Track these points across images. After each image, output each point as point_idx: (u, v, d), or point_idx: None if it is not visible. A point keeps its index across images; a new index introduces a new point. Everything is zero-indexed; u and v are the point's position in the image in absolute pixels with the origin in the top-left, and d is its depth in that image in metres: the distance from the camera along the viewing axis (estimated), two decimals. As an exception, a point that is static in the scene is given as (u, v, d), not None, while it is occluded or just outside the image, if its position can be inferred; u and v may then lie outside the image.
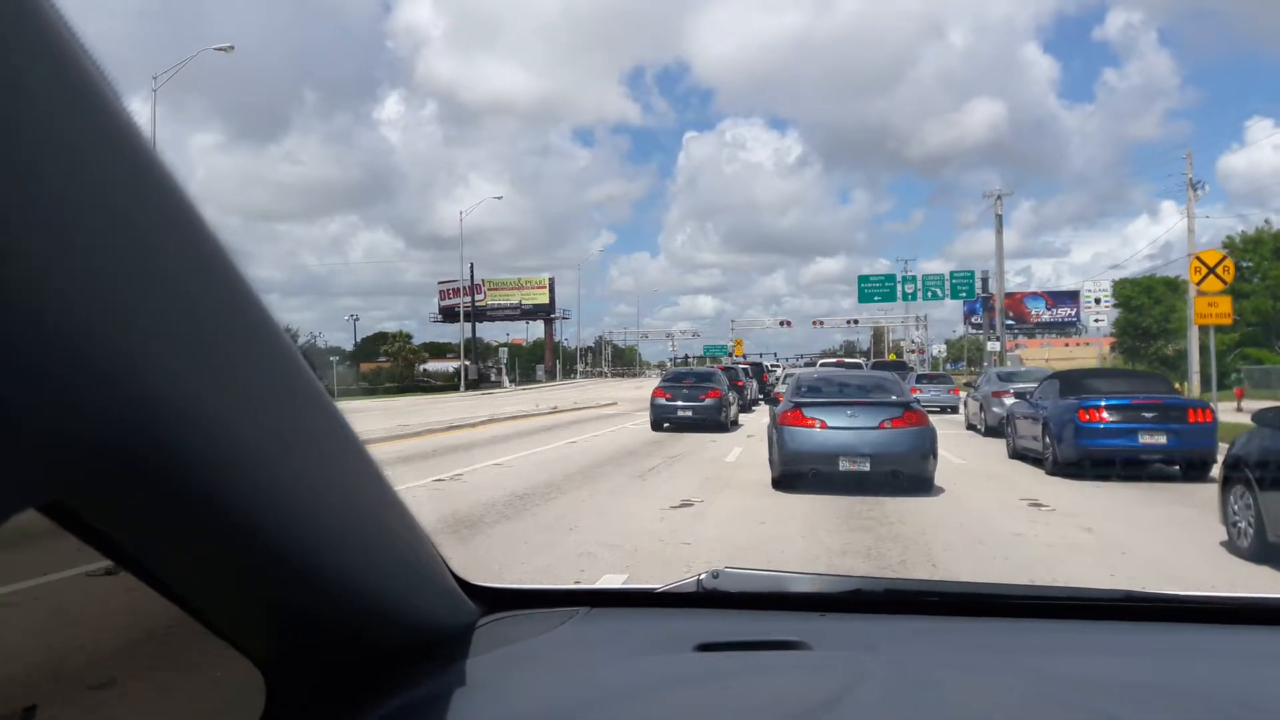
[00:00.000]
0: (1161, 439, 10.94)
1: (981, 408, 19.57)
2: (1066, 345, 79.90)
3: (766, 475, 10.56)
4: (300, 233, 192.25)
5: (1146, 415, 11.10)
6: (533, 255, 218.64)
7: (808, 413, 9.92)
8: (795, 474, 9.79)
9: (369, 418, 20.90)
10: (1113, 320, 61.63)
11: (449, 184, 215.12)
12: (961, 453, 14.19)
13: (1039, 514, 8.38)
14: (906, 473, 9.61)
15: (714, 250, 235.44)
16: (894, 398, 10.37)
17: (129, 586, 0.67)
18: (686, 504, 8.72)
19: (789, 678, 1.07)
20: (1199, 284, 17.03)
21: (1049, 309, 78.46)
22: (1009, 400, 18.52)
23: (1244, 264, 43.20)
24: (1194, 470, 10.89)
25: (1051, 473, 11.57)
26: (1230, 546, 6.70)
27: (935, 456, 9.86)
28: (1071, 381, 12.93)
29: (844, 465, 9.51)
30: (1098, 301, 29.54)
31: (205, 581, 0.70)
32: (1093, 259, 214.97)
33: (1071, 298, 77.33)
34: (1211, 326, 17.12)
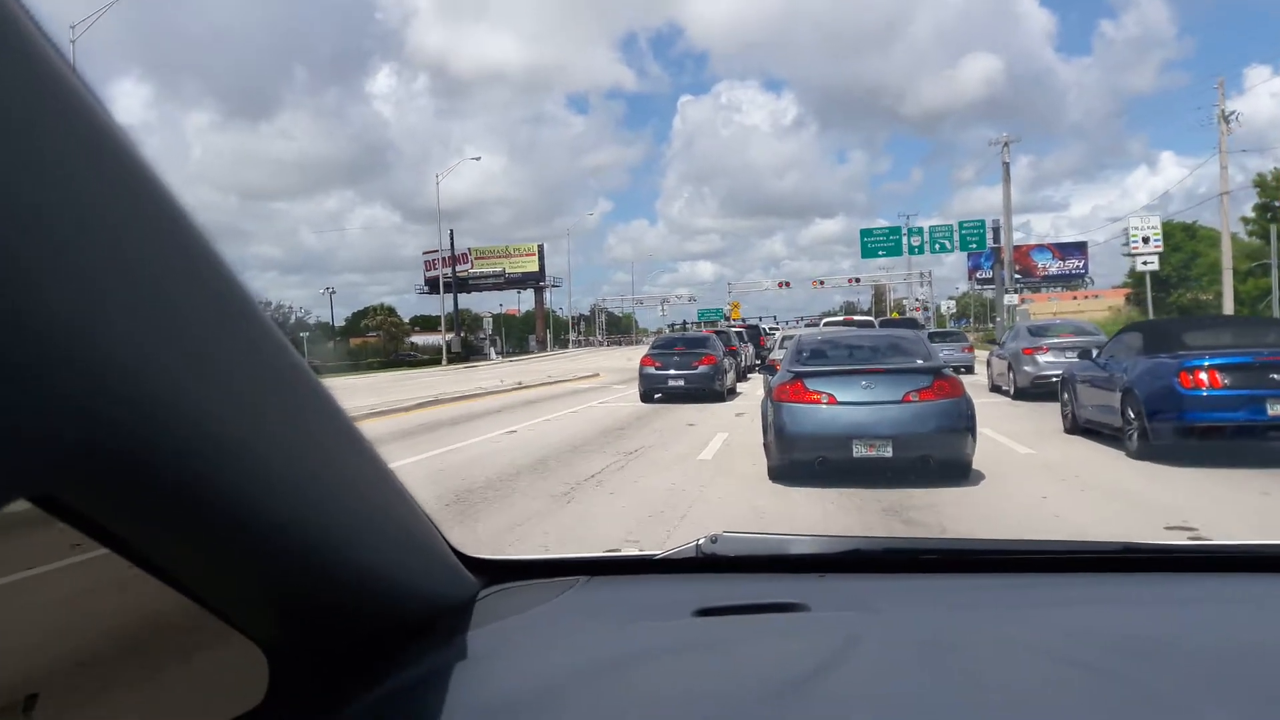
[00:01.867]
0: None
1: (1010, 367, 17.15)
2: (1075, 299, 77.19)
3: (752, 485, 7.73)
4: (297, 210, 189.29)
5: (1276, 377, 8.08)
6: (530, 225, 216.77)
7: (811, 385, 7.48)
8: (797, 463, 7.47)
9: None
10: (1128, 270, 58.85)
11: (444, 156, 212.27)
12: (1009, 428, 11.09)
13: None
14: (939, 457, 7.26)
15: (712, 215, 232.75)
16: (919, 362, 7.84)
17: (127, 572, 0.66)
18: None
19: (788, 640, 1.07)
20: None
21: (1056, 260, 75.89)
22: (1043, 358, 16.22)
23: (1276, 204, 40.03)
24: None
25: (1137, 455, 8.72)
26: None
27: (975, 435, 7.47)
28: (1160, 334, 9.87)
29: (859, 451, 7.19)
30: (1146, 241, 26.33)
31: (203, 566, 0.70)
32: (1092, 211, 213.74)
33: (1079, 249, 74.88)
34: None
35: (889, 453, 7.11)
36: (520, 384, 24.01)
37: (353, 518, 0.78)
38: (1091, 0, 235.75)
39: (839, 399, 7.30)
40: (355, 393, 21.57)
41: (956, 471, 7.36)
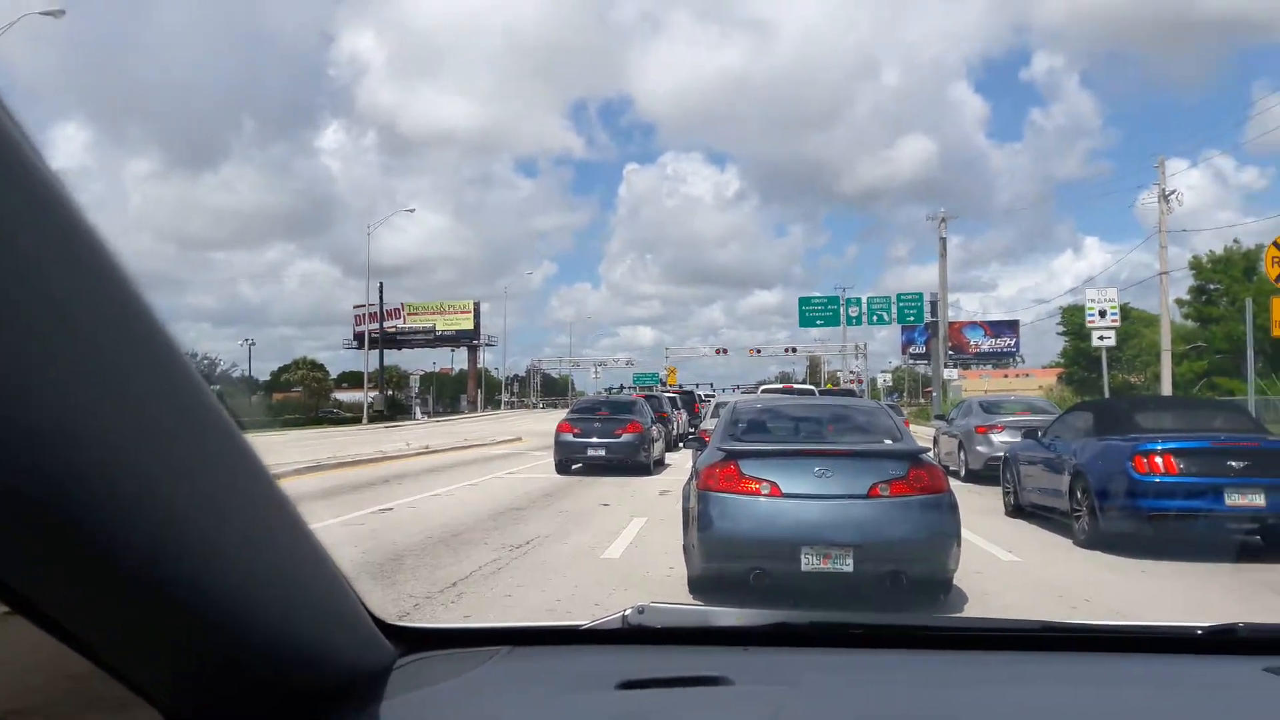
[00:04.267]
0: (1259, 499, 7.41)
1: (961, 446, 15.92)
2: (1005, 376, 78.15)
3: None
4: (237, 261, 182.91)
5: (1235, 465, 7.47)
6: (474, 284, 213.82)
7: (748, 469, 5.65)
8: (726, 575, 5.63)
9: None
10: (1060, 350, 59.49)
11: (388, 213, 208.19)
12: (976, 522, 9.16)
13: None
14: (915, 573, 5.46)
15: (654, 281, 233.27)
16: (889, 443, 6.10)
17: (22, 630, 0.60)
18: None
19: (711, 714, 1.07)
20: (1278, 279, 13.02)
21: (988, 338, 77.29)
22: (998, 438, 14.96)
23: (1212, 286, 40.42)
24: None
25: (1085, 544, 7.99)
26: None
27: (960, 543, 5.72)
28: (1112, 414, 9.11)
29: (809, 562, 5.33)
30: (1103, 314, 25.44)
31: (104, 625, 0.64)
32: (1019, 292, 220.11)
33: (1011, 327, 76.54)
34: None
35: (849, 566, 5.30)
36: (427, 448, 21.70)
37: (268, 576, 0.75)
38: (1022, 89, 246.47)
39: (784, 489, 5.51)
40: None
41: (935, 590, 5.69)
